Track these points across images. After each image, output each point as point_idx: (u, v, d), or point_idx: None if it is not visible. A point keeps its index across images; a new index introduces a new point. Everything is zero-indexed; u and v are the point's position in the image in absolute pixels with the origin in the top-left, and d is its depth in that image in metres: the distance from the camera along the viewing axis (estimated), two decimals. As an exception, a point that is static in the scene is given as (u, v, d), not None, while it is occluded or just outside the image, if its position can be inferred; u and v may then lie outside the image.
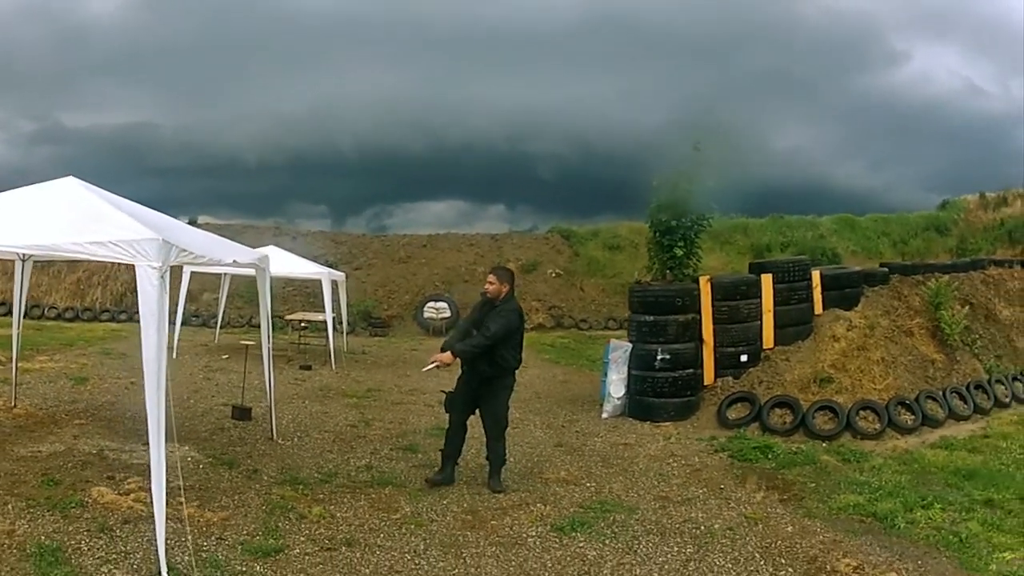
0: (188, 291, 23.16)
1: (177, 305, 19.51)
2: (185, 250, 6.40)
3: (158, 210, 7.83)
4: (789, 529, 7.05)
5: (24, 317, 24.57)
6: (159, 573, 5.27)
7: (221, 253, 8.11)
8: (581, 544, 6.55)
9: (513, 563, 6.09)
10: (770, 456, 9.57)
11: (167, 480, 5.72)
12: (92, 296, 28.33)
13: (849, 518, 7.44)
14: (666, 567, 6.11)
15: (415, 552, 6.16)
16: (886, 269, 14.12)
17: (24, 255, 9.84)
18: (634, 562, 6.18)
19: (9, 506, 6.45)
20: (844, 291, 13.04)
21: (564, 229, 34.94)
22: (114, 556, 5.62)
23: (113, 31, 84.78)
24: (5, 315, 25.40)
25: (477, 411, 8.20)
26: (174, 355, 17.63)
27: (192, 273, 18.79)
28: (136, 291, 6.28)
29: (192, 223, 26.98)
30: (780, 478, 8.72)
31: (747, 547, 6.55)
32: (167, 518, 5.85)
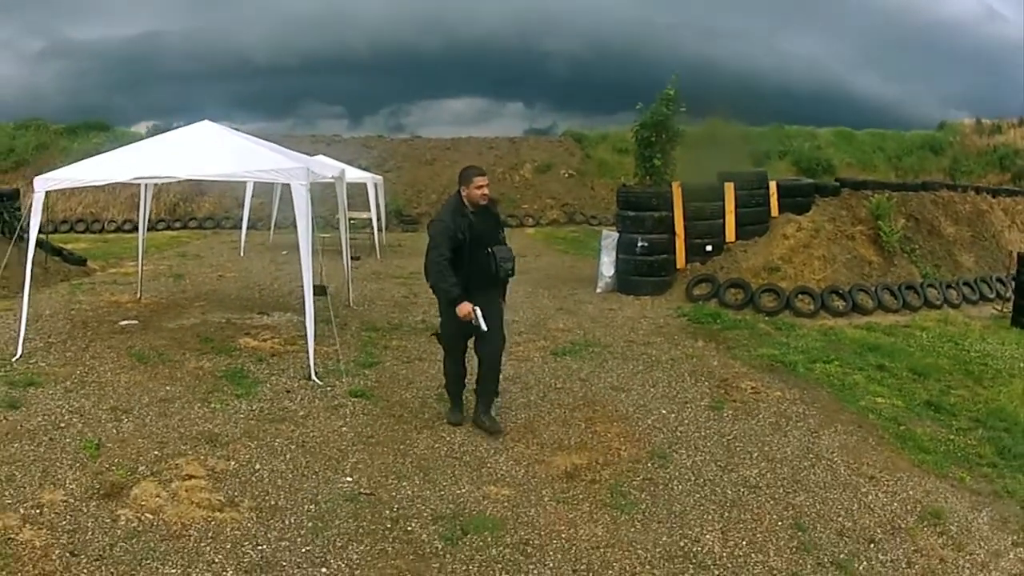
0: (235, 197, 26.60)
1: (243, 211, 22.74)
2: (314, 172, 9.56)
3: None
4: (715, 363, 10.21)
5: (87, 232, 27.61)
6: (310, 376, 8.68)
7: (324, 170, 11.27)
8: (568, 361, 9.96)
9: (523, 368, 9.53)
10: (719, 322, 12.55)
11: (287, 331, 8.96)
12: (148, 208, 30.91)
13: (762, 362, 10.30)
14: (622, 374, 9.46)
15: (462, 367, 9.47)
16: (838, 183, 16.75)
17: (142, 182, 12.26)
18: (602, 371, 9.55)
19: (187, 354, 9.69)
20: (797, 199, 15.69)
21: (576, 133, 37.70)
22: (276, 372, 9.03)
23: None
24: (68, 231, 28.40)
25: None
26: (241, 253, 20.94)
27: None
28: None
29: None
30: (721, 335, 11.75)
31: (680, 370, 9.78)
32: (297, 351, 9.33)
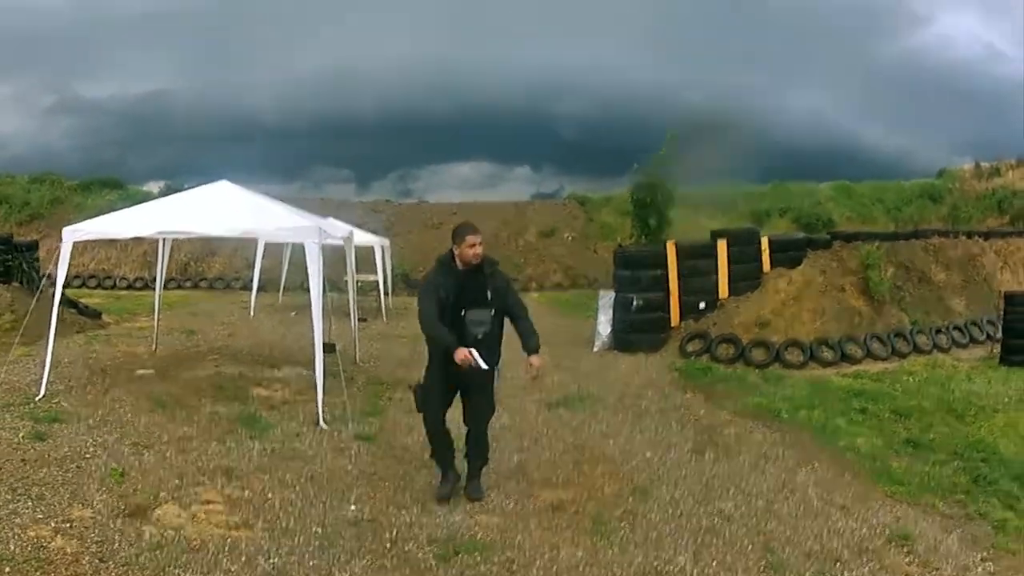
0: (245, 258, 27.32)
1: (253, 272, 23.43)
2: (326, 232, 10.21)
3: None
4: (701, 412, 10.75)
5: (99, 288, 28.06)
6: (319, 422, 9.25)
7: (335, 231, 11.91)
8: (561, 413, 10.48)
9: (518, 419, 10.02)
10: (709, 375, 13.06)
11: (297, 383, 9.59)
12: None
13: (747, 410, 10.84)
14: (612, 423, 10.00)
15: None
16: (829, 236, 17.35)
17: (166, 236, 13.14)
18: (592, 420, 10.09)
19: (204, 401, 10.27)
20: (789, 253, 16.21)
21: (580, 196, 38.60)
22: (287, 418, 9.63)
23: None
24: (80, 286, 28.91)
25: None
26: (251, 313, 21.59)
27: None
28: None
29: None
30: (711, 388, 12.25)
31: (667, 419, 10.30)
32: (306, 401, 9.90)
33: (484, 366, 6.66)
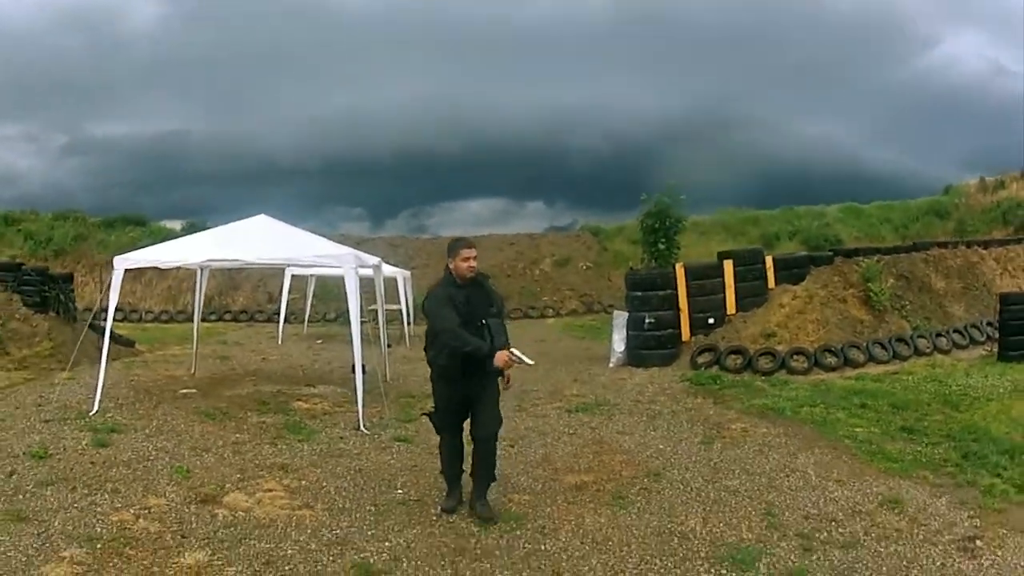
0: (268, 292, 28.13)
1: (280, 304, 24.46)
2: (359, 258, 11.08)
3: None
4: (710, 413, 11.54)
5: (125, 321, 28.98)
6: (359, 427, 10.12)
7: (367, 259, 12.78)
8: (581, 416, 11.31)
9: (541, 422, 10.91)
10: (718, 383, 13.79)
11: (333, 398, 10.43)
12: (184, 300, 32.27)
13: (754, 410, 11.61)
14: (627, 424, 10.82)
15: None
16: (831, 253, 18.22)
17: (204, 266, 14.04)
18: (610, 423, 10.90)
19: (249, 413, 11.19)
20: (793, 271, 17.07)
21: (594, 227, 39.69)
22: (329, 425, 10.53)
23: (147, 42, 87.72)
24: (122, 320, 29.88)
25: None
26: (279, 341, 22.59)
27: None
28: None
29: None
30: (719, 393, 13.02)
31: (679, 419, 11.11)
32: (345, 412, 10.76)
33: (529, 361, 6.85)
